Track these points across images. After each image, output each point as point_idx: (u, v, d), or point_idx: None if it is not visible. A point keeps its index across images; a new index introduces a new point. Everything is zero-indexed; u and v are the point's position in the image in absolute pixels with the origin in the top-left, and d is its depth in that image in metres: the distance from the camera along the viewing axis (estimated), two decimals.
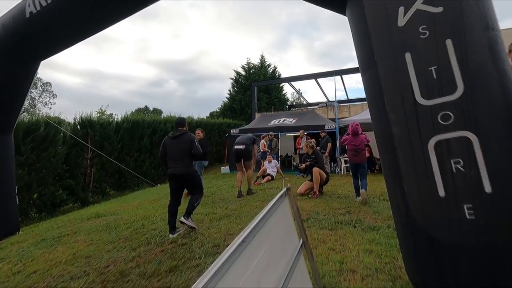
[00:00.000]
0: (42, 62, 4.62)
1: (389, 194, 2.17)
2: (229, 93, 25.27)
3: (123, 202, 6.53)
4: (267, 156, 8.67)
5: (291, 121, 12.73)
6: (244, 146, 6.22)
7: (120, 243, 3.24)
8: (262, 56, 26.72)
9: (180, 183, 3.90)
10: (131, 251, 2.90)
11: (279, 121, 13.11)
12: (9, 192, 4.76)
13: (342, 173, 10.16)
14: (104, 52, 72.88)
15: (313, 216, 4.03)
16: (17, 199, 4.94)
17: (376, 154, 10.86)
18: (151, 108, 48.25)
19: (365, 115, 11.44)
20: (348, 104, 20.48)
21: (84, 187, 9.89)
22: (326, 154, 9.52)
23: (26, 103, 24.79)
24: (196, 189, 3.98)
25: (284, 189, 1.52)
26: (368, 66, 2.17)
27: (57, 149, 9.06)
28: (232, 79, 25.59)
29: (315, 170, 5.77)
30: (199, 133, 6.18)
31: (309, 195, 5.70)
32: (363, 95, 27.90)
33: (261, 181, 8.18)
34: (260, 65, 26.13)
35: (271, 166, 8.72)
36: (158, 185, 10.93)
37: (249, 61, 25.71)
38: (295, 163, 11.70)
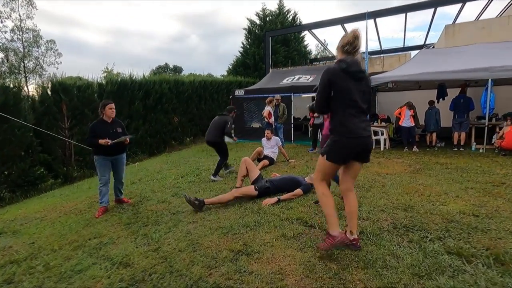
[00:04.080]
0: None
1: None
2: (242, 46, 22.34)
3: (61, 200, 5.08)
4: (266, 131, 6.18)
5: (308, 79, 10.36)
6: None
7: None
8: (280, 1, 22.89)
9: (211, 147, 5.53)
10: None
11: (293, 78, 10.78)
12: None
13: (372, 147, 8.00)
14: (125, 5, 69.11)
15: None
16: None
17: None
18: (171, 66, 45.96)
19: (402, 70, 8.74)
20: (382, 55, 17.04)
21: (64, 161, 8.72)
22: None
23: (31, 63, 23.82)
24: (222, 155, 5.29)
25: None
26: None
27: (26, 119, 7.73)
28: (245, 29, 22.45)
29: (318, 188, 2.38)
30: (107, 110, 3.89)
31: (314, 244, 2.43)
32: (400, 44, 23.26)
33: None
34: (277, 12, 22.48)
35: (270, 145, 6.17)
36: (137, 163, 8.94)
37: (264, 7, 22.16)
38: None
